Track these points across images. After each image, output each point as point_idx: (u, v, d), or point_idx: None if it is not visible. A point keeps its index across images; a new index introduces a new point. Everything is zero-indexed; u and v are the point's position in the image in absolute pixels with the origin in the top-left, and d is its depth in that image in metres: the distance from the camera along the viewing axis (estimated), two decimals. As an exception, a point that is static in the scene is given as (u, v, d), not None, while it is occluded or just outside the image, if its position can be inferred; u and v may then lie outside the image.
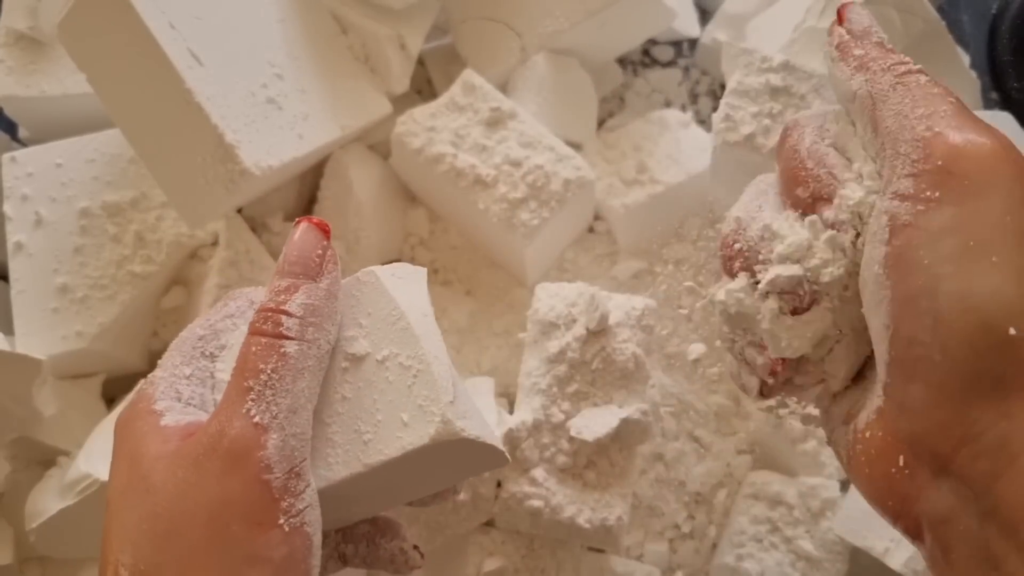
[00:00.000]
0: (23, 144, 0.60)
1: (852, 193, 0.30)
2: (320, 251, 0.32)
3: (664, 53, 0.65)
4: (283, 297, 0.30)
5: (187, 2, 0.46)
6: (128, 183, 0.52)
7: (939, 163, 0.27)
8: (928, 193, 0.27)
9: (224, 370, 0.33)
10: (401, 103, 0.56)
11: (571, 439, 0.45)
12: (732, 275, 0.32)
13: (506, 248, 0.54)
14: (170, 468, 0.28)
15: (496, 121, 0.52)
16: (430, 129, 0.53)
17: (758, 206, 0.33)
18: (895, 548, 0.46)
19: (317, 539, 0.29)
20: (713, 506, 0.53)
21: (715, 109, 0.51)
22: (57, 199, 0.51)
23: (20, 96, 0.55)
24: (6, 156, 0.52)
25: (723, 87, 0.52)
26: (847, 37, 0.33)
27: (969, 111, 0.29)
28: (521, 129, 0.52)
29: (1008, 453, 0.25)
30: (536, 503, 0.44)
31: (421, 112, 0.53)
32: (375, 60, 0.56)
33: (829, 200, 0.31)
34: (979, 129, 0.28)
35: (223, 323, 0.34)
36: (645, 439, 0.46)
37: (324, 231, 0.33)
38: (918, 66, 0.30)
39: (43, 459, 0.50)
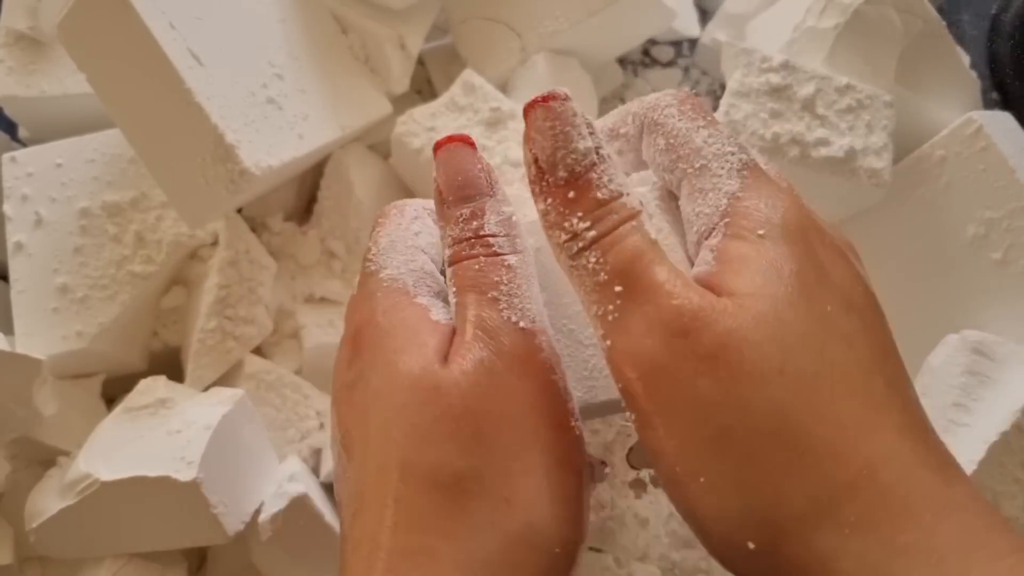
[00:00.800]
0: (23, 144, 0.60)
1: None
2: (480, 165, 0.31)
3: (664, 53, 0.65)
4: (475, 223, 0.30)
5: (187, 2, 0.46)
6: (128, 183, 0.52)
7: (620, 385, 0.26)
8: (629, 414, 0.26)
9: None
10: (401, 103, 0.56)
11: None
12: None
13: (506, 248, 0.54)
14: (457, 372, 0.27)
15: (496, 121, 0.52)
16: (430, 129, 0.53)
17: None
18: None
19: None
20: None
21: (715, 109, 0.51)
22: (57, 199, 0.52)
23: (20, 96, 0.55)
24: (6, 156, 0.52)
25: (723, 87, 0.52)
26: (532, 173, 0.28)
27: (646, 283, 0.26)
28: (521, 129, 0.52)
29: None
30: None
31: (421, 112, 0.53)
32: (375, 60, 0.56)
33: None
34: (650, 332, 0.25)
35: (422, 219, 0.32)
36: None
37: (471, 144, 0.31)
38: (592, 232, 0.27)
39: (43, 459, 0.50)
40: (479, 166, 0.31)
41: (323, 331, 0.54)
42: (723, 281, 0.26)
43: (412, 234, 0.32)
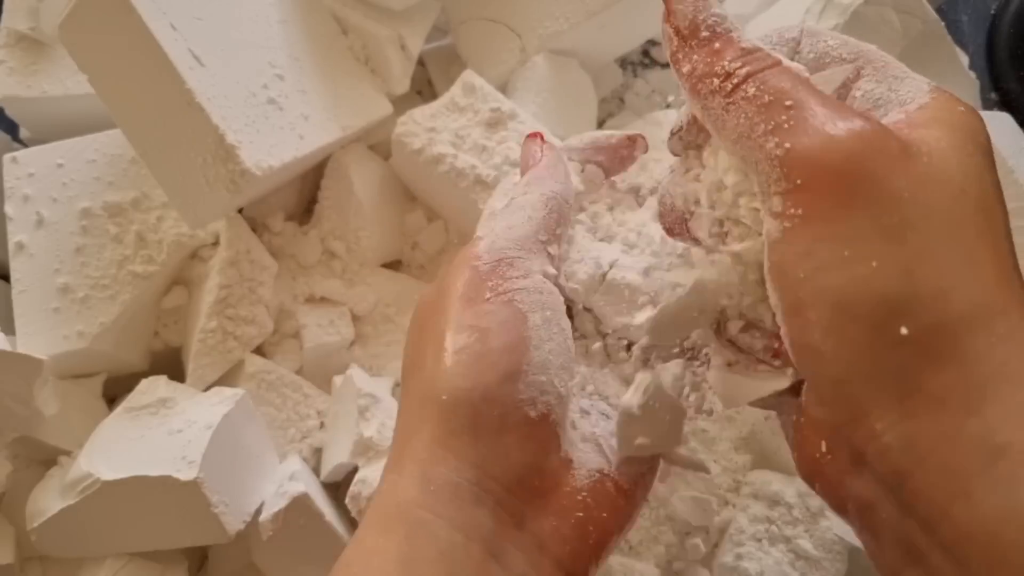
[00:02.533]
0: (24, 144, 0.60)
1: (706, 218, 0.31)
2: (537, 147, 0.37)
3: (664, 54, 0.65)
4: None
5: (188, 3, 0.46)
6: (129, 183, 0.52)
7: (798, 182, 0.27)
8: (792, 211, 0.27)
9: None
10: (401, 104, 0.56)
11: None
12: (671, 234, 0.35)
13: (506, 248, 0.54)
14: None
15: (496, 122, 0.52)
16: (430, 130, 0.53)
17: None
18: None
19: (536, 317, 0.32)
20: (716, 506, 0.53)
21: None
22: (58, 199, 0.52)
23: (21, 97, 0.56)
24: (7, 156, 0.52)
25: (723, 88, 0.52)
26: (675, 44, 0.30)
27: (816, 101, 0.27)
28: (521, 130, 0.52)
29: (915, 453, 0.25)
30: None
31: (421, 113, 0.54)
32: (375, 61, 0.56)
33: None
34: (832, 125, 0.27)
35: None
36: None
37: (534, 136, 0.38)
38: (745, 69, 0.28)
39: (44, 459, 0.50)
40: (537, 152, 0.37)
41: (323, 331, 0.54)
42: (919, 121, 0.28)
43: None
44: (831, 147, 0.26)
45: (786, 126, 0.27)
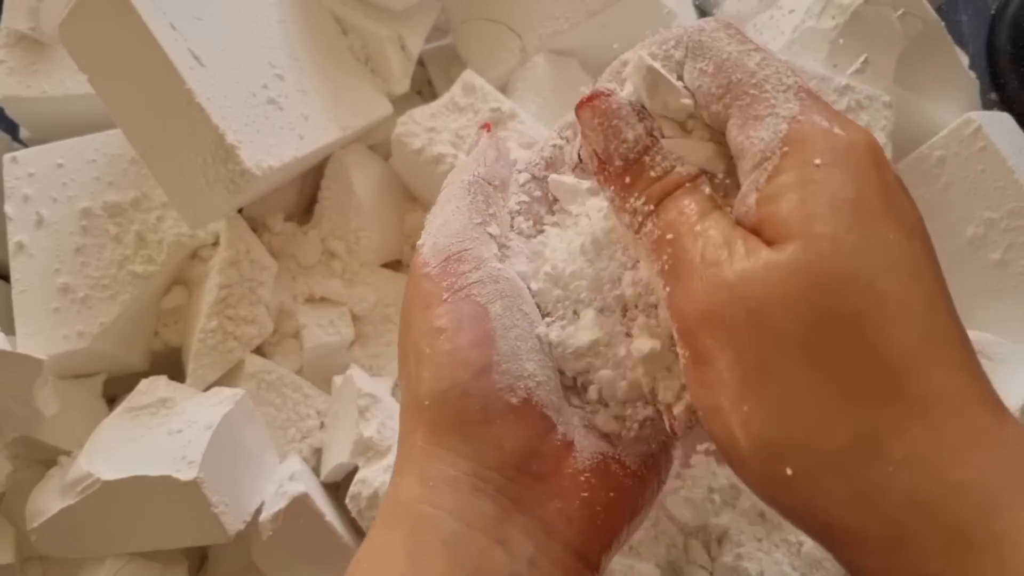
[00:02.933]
0: (24, 144, 0.60)
1: None
2: (478, 138, 0.38)
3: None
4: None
5: (188, 3, 0.46)
6: (129, 183, 0.52)
7: (678, 326, 0.28)
8: (682, 352, 0.28)
9: None
10: (401, 103, 0.56)
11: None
12: None
13: (506, 248, 0.54)
14: None
15: (496, 122, 0.52)
16: (430, 130, 0.53)
17: None
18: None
19: (496, 306, 0.32)
20: (716, 505, 0.53)
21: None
22: (58, 199, 0.52)
23: (21, 97, 0.56)
24: (7, 156, 0.52)
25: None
26: (594, 167, 0.31)
27: (689, 237, 0.27)
28: (521, 130, 0.52)
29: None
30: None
31: (421, 113, 0.54)
32: (375, 61, 0.56)
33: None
34: (693, 273, 0.27)
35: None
36: None
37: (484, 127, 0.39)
38: (647, 207, 0.29)
39: (44, 459, 0.50)
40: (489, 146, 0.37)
41: (323, 331, 0.54)
42: (774, 220, 0.26)
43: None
44: (690, 294, 0.27)
45: (667, 267, 0.28)
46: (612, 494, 0.32)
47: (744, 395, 0.26)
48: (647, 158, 0.29)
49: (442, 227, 0.34)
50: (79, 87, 0.55)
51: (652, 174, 0.29)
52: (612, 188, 0.30)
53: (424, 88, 0.63)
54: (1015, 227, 0.49)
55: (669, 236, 0.28)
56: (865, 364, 0.24)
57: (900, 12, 0.52)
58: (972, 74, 0.58)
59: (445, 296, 0.32)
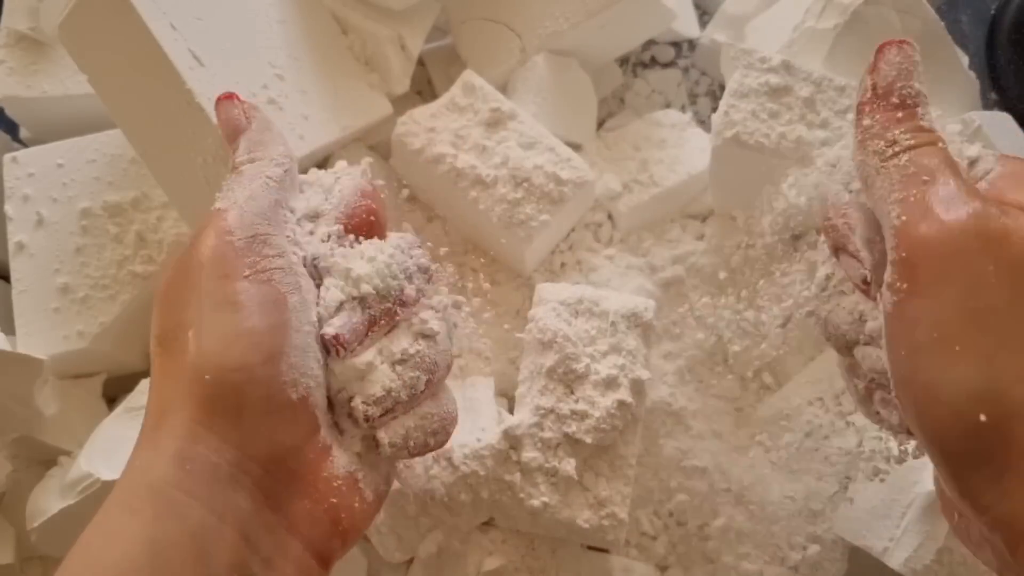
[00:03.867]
0: (24, 144, 0.60)
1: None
2: (239, 111, 0.38)
3: (664, 54, 0.65)
4: (233, 152, 0.37)
5: (188, 3, 0.46)
6: (129, 183, 0.52)
7: (904, 255, 0.29)
8: (899, 284, 0.29)
9: None
10: (401, 103, 0.56)
11: (571, 439, 0.45)
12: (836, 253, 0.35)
13: (506, 247, 0.54)
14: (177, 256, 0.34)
15: (496, 122, 0.52)
16: (430, 130, 0.53)
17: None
18: (894, 547, 0.46)
19: (295, 298, 0.33)
20: (716, 505, 0.53)
21: (715, 110, 0.51)
22: (58, 199, 0.52)
23: (21, 97, 0.56)
24: (7, 156, 0.52)
25: (723, 88, 0.52)
26: (868, 96, 0.33)
27: (949, 183, 0.30)
28: (521, 130, 0.52)
29: (1017, 531, 0.27)
30: (535, 502, 0.45)
31: (421, 113, 0.54)
32: (375, 61, 0.56)
33: (843, 251, 0.33)
34: (948, 210, 0.29)
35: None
36: (638, 422, 0.46)
37: (229, 97, 0.39)
38: (911, 141, 0.31)
39: (44, 459, 0.50)
40: (237, 111, 0.38)
41: (323, 331, 0.54)
42: (1009, 198, 0.30)
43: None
44: (935, 226, 0.28)
45: (912, 199, 0.29)
46: (357, 504, 0.33)
47: (961, 335, 0.27)
48: (919, 110, 0.32)
49: (249, 200, 0.34)
50: (79, 87, 0.55)
51: (921, 123, 0.31)
52: (877, 117, 0.32)
53: (424, 88, 0.63)
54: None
55: (925, 177, 0.30)
56: None
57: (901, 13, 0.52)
58: (972, 74, 0.58)
59: (246, 273, 0.32)
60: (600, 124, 0.62)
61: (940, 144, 0.31)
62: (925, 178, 0.30)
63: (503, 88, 0.57)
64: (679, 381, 0.54)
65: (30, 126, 0.59)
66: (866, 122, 0.32)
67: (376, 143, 0.58)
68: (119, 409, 0.48)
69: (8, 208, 0.52)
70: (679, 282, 0.55)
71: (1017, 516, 0.26)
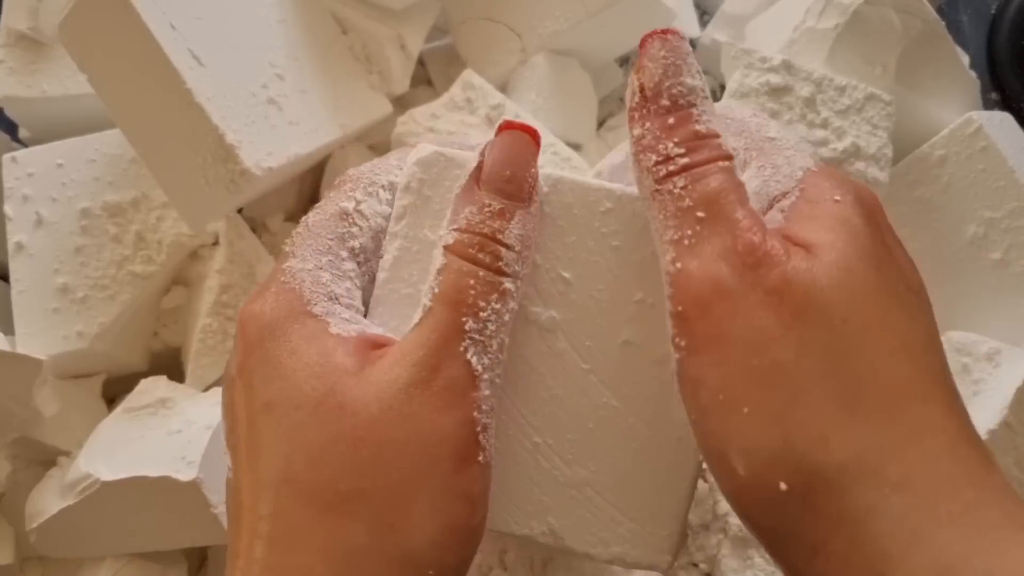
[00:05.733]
0: (24, 144, 0.60)
1: None
2: (534, 169, 0.29)
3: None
4: (498, 224, 0.28)
5: (188, 3, 0.46)
6: (129, 183, 0.52)
7: (680, 308, 0.26)
8: (679, 340, 0.26)
9: (386, 272, 0.31)
10: (401, 103, 0.56)
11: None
12: None
13: (506, 248, 0.54)
14: (371, 392, 0.27)
15: (496, 121, 0.52)
16: (430, 129, 0.53)
17: None
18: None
19: (488, 474, 0.28)
20: (716, 506, 0.53)
21: (715, 109, 0.51)
22: (58, 199, 0.52)
23: (21, 96, 0.55)
24: (7, 156, 0.52)
25: (723, 87, 0.52)
26: (636, 100, 0.28)
27: (729, 221, 0.26)
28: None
29: None
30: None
31: (421, 112, 0.54)
32: (375, 60, 0.56)
33: None
34: (725, 256, 0.25)
35: (365, 202, 0.31)
36: None
37: (536, 142, 0.30)
38: (685, 159, 0.27)
39: (43, 459, 0.50)
40: (533, 169, 0.29)
41: (323, 331, 0.54)
42: (795, 234, 0.26)
43: (344, 216, 0.30)
44: (710, 276, 0.25)
45: (686, 242, 0.26)
46: None
47: (748, 395, 0.24)
48: (695, 110, 0.28)
49: (500, 357, 0.28)
50: (79, 87, 0.55)
51: (697, 128, 0.27)
52: (647, 125, 0.28)
53: (424, 88, 0.63)
54: (1016, 227, 0.49)
55: (700, 214, 0.26)
56: (873, 383, 0.24)
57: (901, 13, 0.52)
58: (973, 74, 0.58)
59: (479, 456, 0.27)
60: (600, 124, 0.62)
61: (721, 162, 0.27)
62: (700, 214, 0.26)
63: (503, 88, 0.57)
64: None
65: (29, 126, 0.59)
66: (636, 131, 0.28)
67: (376, 143, 0.58)
68: (119, 409, 0.48)
69: (7, 208, 0.52)
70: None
71: None
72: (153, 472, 0.43)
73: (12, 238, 0.51)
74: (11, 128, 0.61)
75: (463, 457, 0.27)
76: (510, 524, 0.31)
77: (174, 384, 0.49)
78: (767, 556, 0.50)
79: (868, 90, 0.50)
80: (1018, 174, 0.49)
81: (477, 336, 0.27)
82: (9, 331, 0.50)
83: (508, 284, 0.28)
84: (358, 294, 0.30)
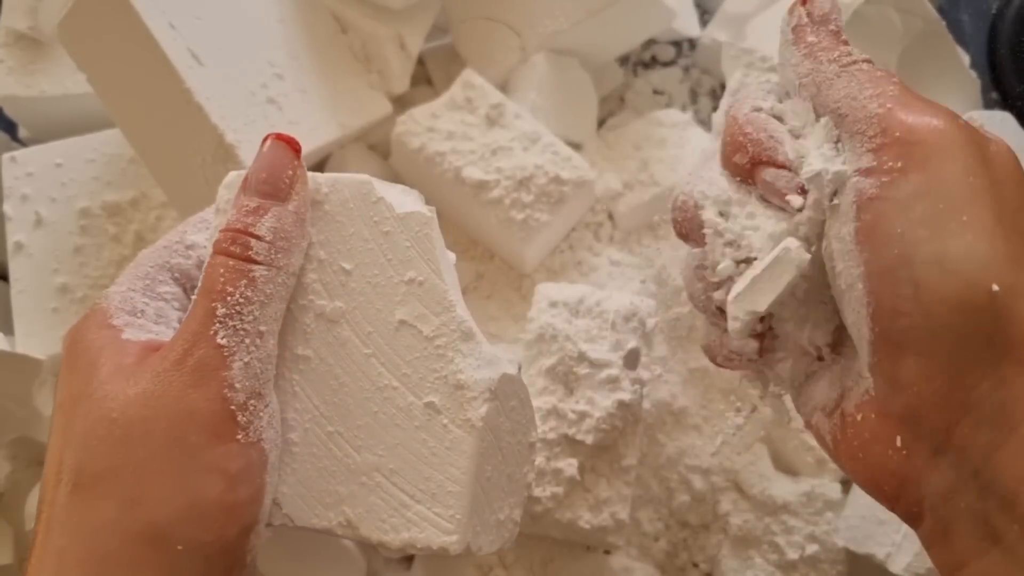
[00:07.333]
0: (23, 144, 0.60)
1: (813, 163, 0.30)
2: (291, 171, 0.32)
3: (664, 53, 0.65)
4: (251, 219, 0.31)
5: (187, 2, 0.46)
6: (128, 183, 0.52)
7: (897, 135, 0.28)
8: (891, 164, 0.28)
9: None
10: (401, 103, 0.56)
11: (571, 440, 0.45)
12: (684, 239, 0.34)
13: (506, 247, 0.54)
14: (130, 379, 0.29)
15: (496, 121, 0.52)
16: (430, 129, 0.53)
17: (700, 177, 0.33)
18: (896, 553, 0.46)
19: (273, 457, 0.30)
20: (716, 506, 0.53)
21: (715, 109, 0.51)
22: (57, 199, 0.52)
23: (20, 96, 0.55)
24: (6, 156, 0.52)
25: (723, 87, 0.52)
26: (805, 20, 0.33)
27: (914, 91, 0.30)
28: (521, 129, 0.52)
29: (1007, 423, 0.25)
30: (536, 504, 0.45)
31: (421, 112, 0.53)
32: (375, 60, 0.56)
33: (768, 163, 0.30)
34: (927, 104, 0.29)
35: (194, 235, 0.34)
36: (638, 421, 0.46)
37: (295, 149, 0.32)
38: (864, 56, 0.31)
39: (43, 459, 0.50)
40: (288, 171, 0.32)
41: (323, 331, 0.54)
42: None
43: (166, 247, 0.33)
44: (929, 112, 0.28)
45: (890, 92, 0.29)
46: None
47: (967, 207, 0.27)
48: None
49: (256, 342, 0.30)
50: (78, 87, 0.55)
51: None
52: (822, 35, 0.32)
53: (424, 87, 0.63)
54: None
55: (895, 79, 0.30)
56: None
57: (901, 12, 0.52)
58: (973, 73, 0.58)
59: (238, 435, 0.29)
60: (600, 123, 0.62)
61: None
62: (895, 80, 0.29)
63: (503, 87, 0.57)
64: (680, 381, 0.54)
65: (29, 125, 0.59)
66: (811, 39, 0.32)
67: (376, 142, 0.58)
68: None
69: (7, 208, 0.51)
70: (680, 282, 0.55)
71: (1008, 406, 0.25)
72: (152, 472, 0.43)
73: (11, 238, 0.51)
74: (10, 128, 0.61)
75: (217, 433, 0.28)
76: (311, 519, 0.32)
77: (174, 384, 0.49)
78: (767, 556, 0.50)
79: (868, 90, 0.50)
80: (1019, 174, 0.49)
81: (228, 321, 0.29)
82: (9, 331, 0.50)
83: (259, 271, 0.30)
84: (175, 313, 0.33)
